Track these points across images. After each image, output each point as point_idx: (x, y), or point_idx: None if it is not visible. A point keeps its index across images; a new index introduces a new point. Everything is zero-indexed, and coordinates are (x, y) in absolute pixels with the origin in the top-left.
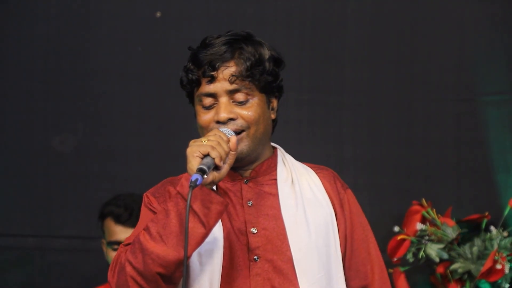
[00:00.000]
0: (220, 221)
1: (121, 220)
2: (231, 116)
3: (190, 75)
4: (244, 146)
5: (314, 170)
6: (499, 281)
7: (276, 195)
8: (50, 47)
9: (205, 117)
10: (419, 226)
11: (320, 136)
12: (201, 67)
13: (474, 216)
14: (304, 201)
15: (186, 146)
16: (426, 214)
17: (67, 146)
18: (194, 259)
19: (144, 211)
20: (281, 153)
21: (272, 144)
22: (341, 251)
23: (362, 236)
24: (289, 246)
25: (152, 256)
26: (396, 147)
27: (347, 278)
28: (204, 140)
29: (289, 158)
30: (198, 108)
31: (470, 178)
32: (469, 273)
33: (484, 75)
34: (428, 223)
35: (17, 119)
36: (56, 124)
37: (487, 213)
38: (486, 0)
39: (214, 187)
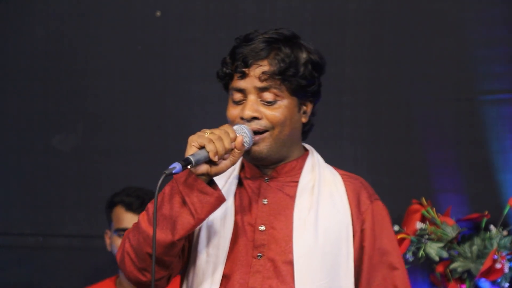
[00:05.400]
0: (232, 214)
1: (132, 208)
2: (255, 115)
3: (224, 69)
4: (264, 146)
5: (342, 177)
6: (499, 280)
7: (293, 197)
8: (50, 47)
9: (233, 111)
10: (418, 225)
11: (319, 136)
12: (236, 61)
13: (474, 215)
14: (319, 207)
15: (186, 145)
16: (425, 213)
17: (67, 145)
18: (202, 249)
19: None
20: (312, 156)
21: (306, 146)
22: (354, 262)
23: (384, 250)
24: (292, 249)
25: (143, 235)
26: (396, 146)
27: None
28: (208, 132)
29: (320, 162)
30: (229, 101)
31: (470, 177)
32: (468, 272)
33: (483, 75)
34: (427, 222)
35: (17, 119)
36: (56, 124)
37: (486, 212)
38: (486, 0)
39: (232, 181)
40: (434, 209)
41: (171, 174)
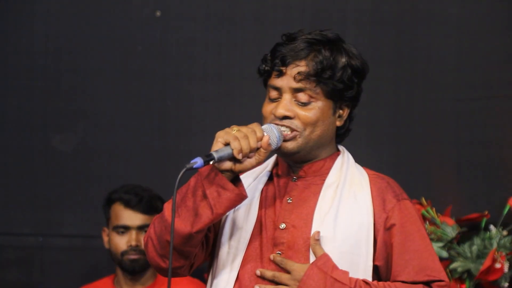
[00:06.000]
0: (256, 209)
1: (130, 205)
2: (288, 114)
3: (264, 65)
4: (294, 144)
5: (369, 177)
6: (499, 280)
7: (317, 195)
8: (50, 46)
9: (267, 107)
10: None
11: None
12: (275, 59)
13: (474, 215)
14: (340, 206)
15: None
16: (425, 213)
17: (67, 145)
18: (225, 241)
19: None
20: (342, 156)
21: (339, 146)
22: (377, 263)
23: (416, 248)
24: (309, 247)
25: (165, 223)
26: (396, 146)
27: None
28: (235, 129)
29: (349, 162)
30: (266, 97)
31: (470, 177)
32: (468, 272)
33: (483, 75)
34: (427, 222)
35: (17, 119)
36: (56, 124)
37: (486, 212)
38: (486, 0)
39: (262, 177)
40: (434, 209)
41: (192, 169)
